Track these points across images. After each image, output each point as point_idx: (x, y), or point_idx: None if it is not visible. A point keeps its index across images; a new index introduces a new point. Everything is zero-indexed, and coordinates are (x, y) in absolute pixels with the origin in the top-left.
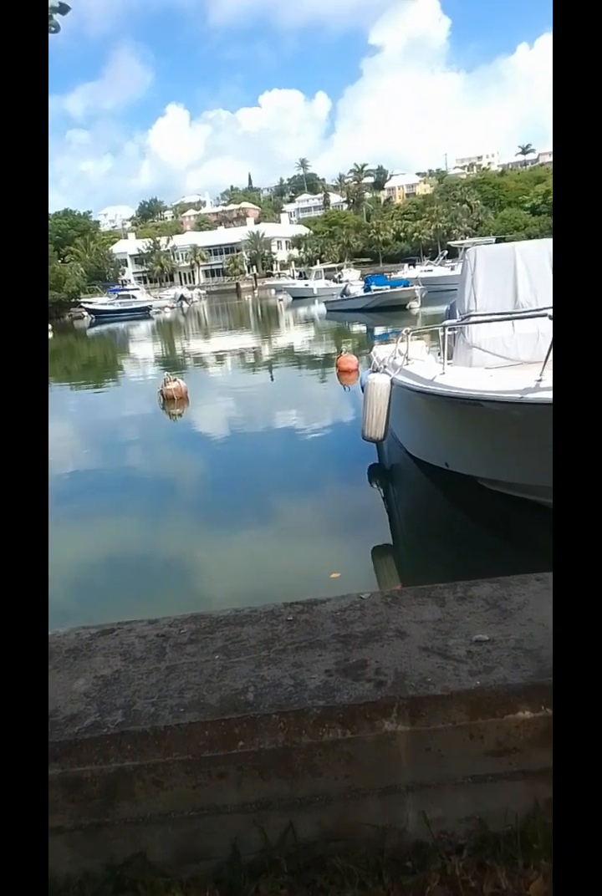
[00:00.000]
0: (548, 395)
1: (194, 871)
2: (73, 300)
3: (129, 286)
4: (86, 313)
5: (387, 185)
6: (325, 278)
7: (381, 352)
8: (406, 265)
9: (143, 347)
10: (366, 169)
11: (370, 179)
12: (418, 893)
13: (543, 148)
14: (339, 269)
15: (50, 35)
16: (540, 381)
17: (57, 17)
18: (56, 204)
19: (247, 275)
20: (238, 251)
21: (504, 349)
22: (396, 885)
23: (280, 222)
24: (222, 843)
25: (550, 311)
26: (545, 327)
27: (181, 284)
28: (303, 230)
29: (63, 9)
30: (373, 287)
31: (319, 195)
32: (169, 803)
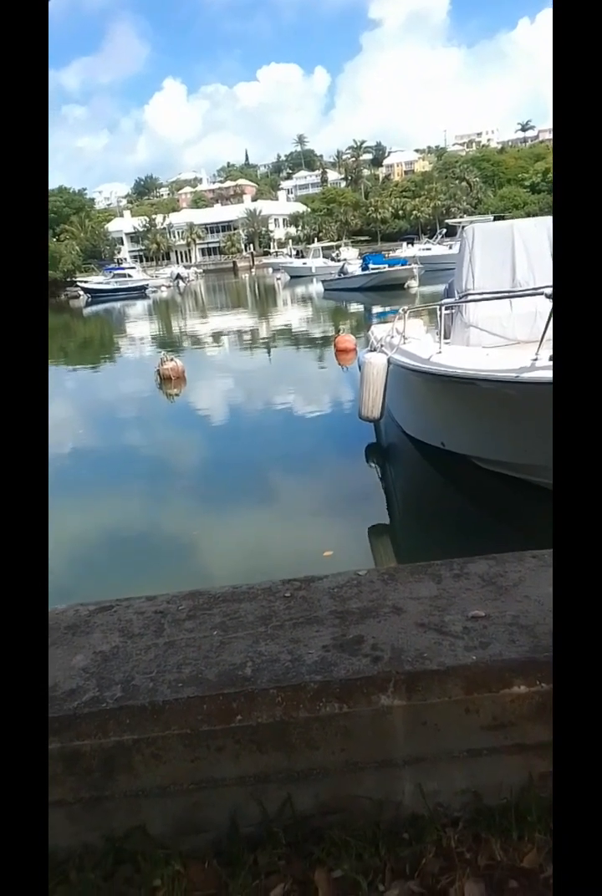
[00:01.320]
0: (543, 375)
1: (193, 844)
2: (68, 279)
3: (125, 265)
4: (82, 292)
5: (385, 162)
6: (323, 257)
7: (378, 331)
8: (404, 244)
9: (140, 327)
10: (364, 146)
11: (368, 156)
12: (414, 865)
13: (543, 125)
14: (337, 247)
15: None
16: (535, 360)
17: None
18: (52, 180)
19: (244, 253)
20: (235, 229)
21: (501, 328)
22: (393, 856)
23: (277, 200)
24: (221, 815)
25: (546, 290)
26: (543, 306)
27: (178, 263)
28: (300, 208)
29: None
30: (371, 266)
31: (317, 172)
32: (168, 777)
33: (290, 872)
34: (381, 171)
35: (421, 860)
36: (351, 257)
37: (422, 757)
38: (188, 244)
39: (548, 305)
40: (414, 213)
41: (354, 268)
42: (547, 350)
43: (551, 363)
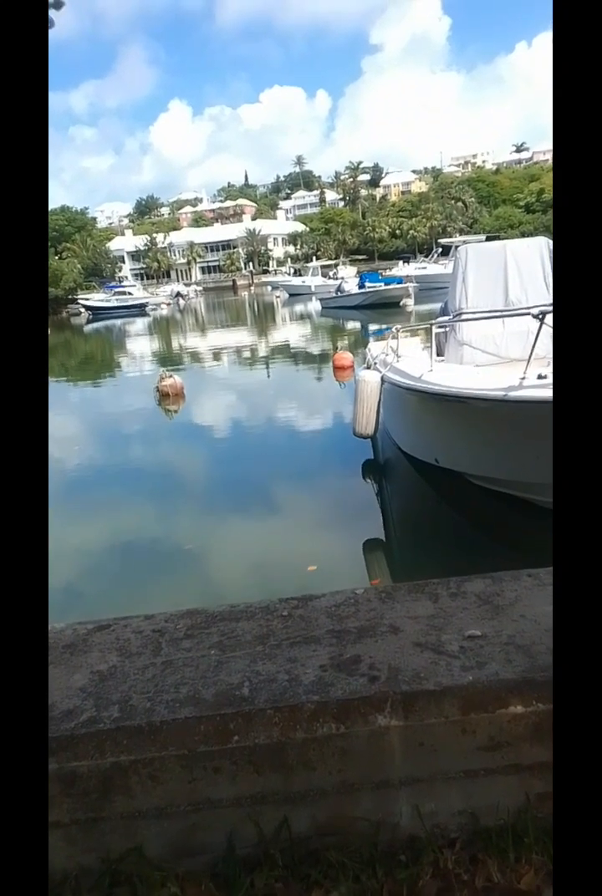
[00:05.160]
0: (530, 393)
1: (190, 865)
2: (70, 297)
3: (125, 283)
4: (83, 310)
5: (382, 182)
6: (321, 275)
7: (375, 348)
8: (401, 262)
9: (140, 344)
10: (361, 166)
11: (366, 177)
12: (411, 887)
13: (538, 147)
14: (335, 265)
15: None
16: (523, 378)
17: (52, 13)
18: (57, 200)
19: (243, 271)
20: (235, 248)
21: (494, 347)
22: (390, 878)
23: (276, 219)
24: (218, 837)
25: (534, 310)
26: (535, 325)
27: (178, 281)
28: (299, 227)
29: (57, 4)
30: (367, 284)
31: (315, 192)
32: (165, 798)
33: (287, 895)
34: (379, 192)
35: (418, 882)
36: (349, 276)
37: (419, 778)
38: (188, 262)
39: (537, 325)
40: (410, 232)
41: (351, 286)
42: (535, 368)
43: (539, 381)
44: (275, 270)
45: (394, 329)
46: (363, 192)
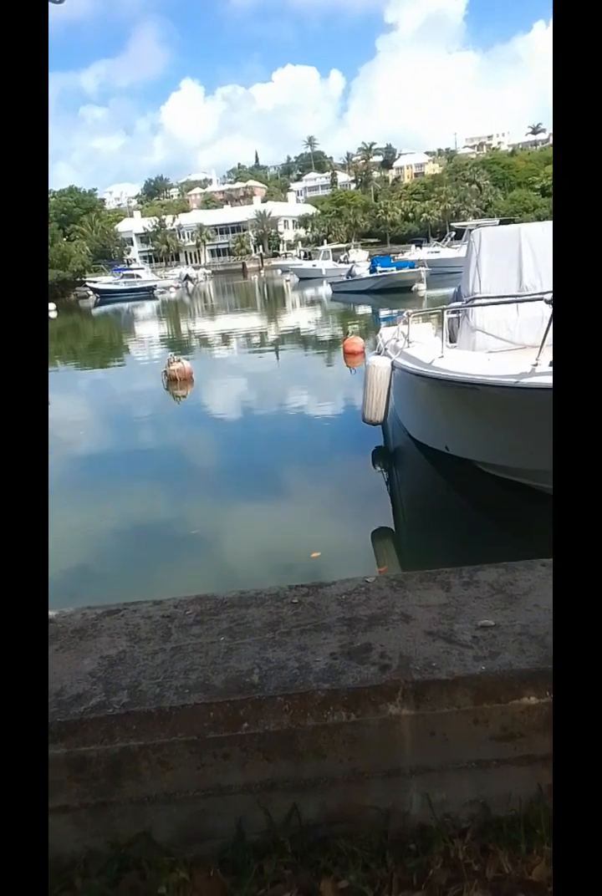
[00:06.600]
0: (543, 380)
1: (199, 851)
2: (78, 279)
3: (134, 265)
4: (91, 293)
5: (395, 164)
6: (332, 259)
7: (386, 334)
8: (413, 246)
9: (149, 327)
10: (374, 148)
11: (379, 158)
12: (421, 876)
13: None
14: (347, 249)
15: (51, 4)
16: (536, 365)
17: None
18: (66, 180)
19: (253, 254)
20: (244, 230)
21: (508, 332)
22: (400, 867)
23: (287, 201)
24: (227, 823)
25: (547, 296)
26: (549, 311)
27: (187, 264)
28: (310, 209)
29: None
30: (378, 268)
31: (327, 174)
32: (174, 783)
33: (297, 882)
34: (392, 174)
35: (428, 871)
36: (360, 259)
37: (430, 767)
38: (198, 245)
39: (549, 311)
40: (423, 215)
41: (363, 270)
42: (547, 355)
43: (551, 368)
44: (285, 254)
45: (405, 314)
46: (376, 174)
